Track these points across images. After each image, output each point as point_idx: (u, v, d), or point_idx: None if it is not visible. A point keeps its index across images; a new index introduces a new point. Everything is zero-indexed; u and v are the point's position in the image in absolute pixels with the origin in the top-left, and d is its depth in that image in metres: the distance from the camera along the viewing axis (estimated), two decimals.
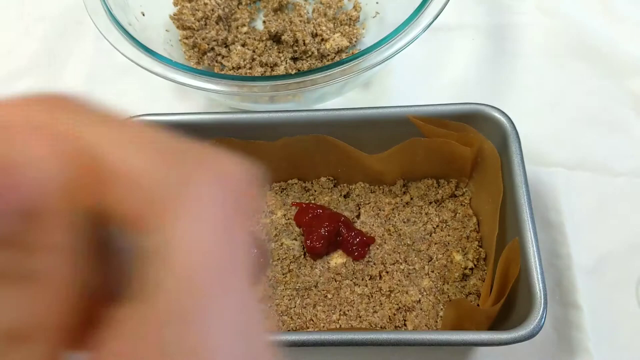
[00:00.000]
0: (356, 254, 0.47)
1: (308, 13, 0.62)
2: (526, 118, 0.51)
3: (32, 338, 0.13)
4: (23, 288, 0.13)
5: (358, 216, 0.50)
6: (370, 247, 0.48)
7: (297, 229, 0.50)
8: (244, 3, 0.63)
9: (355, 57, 0.46)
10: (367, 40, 0.60)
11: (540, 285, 0.38)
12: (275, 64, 0.58)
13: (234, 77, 0.49)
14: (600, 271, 0.48)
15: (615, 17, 0.62)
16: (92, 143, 0.13)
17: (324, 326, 0.45)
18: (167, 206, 0.13)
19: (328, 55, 0.59)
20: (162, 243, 0.13)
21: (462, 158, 0.47)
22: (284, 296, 0.47)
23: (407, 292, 0.46)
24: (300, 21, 0.60)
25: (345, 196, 0.51)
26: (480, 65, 0.60)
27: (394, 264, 0.47)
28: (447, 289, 0.46)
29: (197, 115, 0.47)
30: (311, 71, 0.46)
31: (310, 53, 0.58)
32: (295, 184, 0.52)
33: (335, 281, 0.47)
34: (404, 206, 0.50)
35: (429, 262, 0.47)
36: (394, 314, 0.45)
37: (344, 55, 0.59)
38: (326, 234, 0.47)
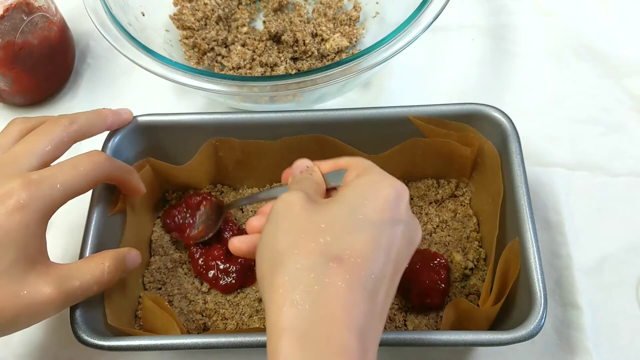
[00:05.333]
0: None
1: (308, 13, 0.62)
2: (526, 118, 0.51)
3: (312, 174, 0.38)
4: (310, 180, 0.38)
5: None
6: None
7: None
8: (244, 3, 0.64)
9: (355, 57, 0.46)
10: (367, 40, 0.61)
11: (540, 285, 0.38)
12: (275, 64, 0.58)
13: (234, 77, 0.49)
14: (600, 271, 0.48)
15: (615, 17, 0.62)
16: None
17: None
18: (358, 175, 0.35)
19: (328, 55, 0.59)
20: (352, 182, 0.35)
21: (462, 158, 0.47)
22: None
23: None
24: (300, 21, 0.60)
25: None
26: (480, 65, 0.60)
27: None
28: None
29: (197, 115, 0.47)
30: (311, 71, 0.45)
31: (310, 53, 0.58)
32: None
33: None
34: None
35: None
36: (395, 314, 0.45)
37: (344, 55, 0.59)
38: None
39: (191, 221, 0.49)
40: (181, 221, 0.49)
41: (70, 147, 0.40)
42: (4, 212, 0.34)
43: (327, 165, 0.39)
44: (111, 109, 0.44)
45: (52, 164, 0.38)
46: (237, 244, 0.38)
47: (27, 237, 0.35)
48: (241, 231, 0.49)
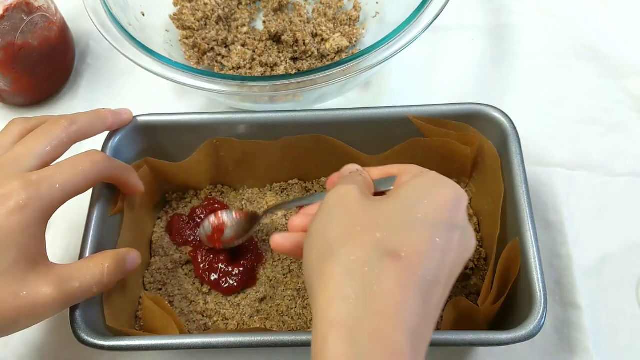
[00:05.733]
0: None
1: (308, 13, 0.62)
2: (526, 118, 0.51)
3: (362, 175, 0.37)
4: (361, 178, 0.36)
5: None
6: None
7: None
8: (244, 3, 0.64)
9: (355, 57, 0.46)
10: (367, 40, 0.61)
11: (540, 285, 0.38)
12: (275, 64, 0.58)
13: (234, 77, 0.49)
14: (600, 271, 0.48)
15: (615, 17, 0.62)
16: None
17: None
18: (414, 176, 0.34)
19: (328, 55, 0.59)
20: (409, 181, 0.34)
21: (462, 158, 0.47)
22: (284, 296, 0.47)
23: None
24: (300, 21, 0.60)
25: None
26: (480, 65, 0.60)
27: None
28: None
29: (197, 115, 0.47)
30: (311, 71, 0.45)
31: (310, 53, 0.58)
32: (296, 184, 0.52)
33: None
34: None
35: None
36: None
37: (344, 55, 0.59)
38: None
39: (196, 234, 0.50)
40: (190, 237, 0.50)
41: (69, 147, 0.40)
42: (4, 213, 0.34)
43: (377, 171, 0.38)
44: (111, 109, 0.44)
45: (51, 164, 0.38)
46: (279, 240, 0.37)
47: (27, 237, 0.35)
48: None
